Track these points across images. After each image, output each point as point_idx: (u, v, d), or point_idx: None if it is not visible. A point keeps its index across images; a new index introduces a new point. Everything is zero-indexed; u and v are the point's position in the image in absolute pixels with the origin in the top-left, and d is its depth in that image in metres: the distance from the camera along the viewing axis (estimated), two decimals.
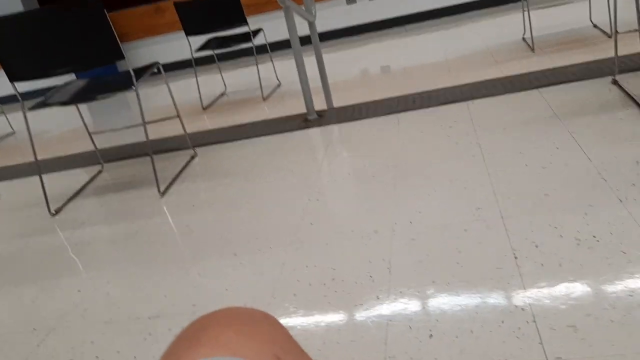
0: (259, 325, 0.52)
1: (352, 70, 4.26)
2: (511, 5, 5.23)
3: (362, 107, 3.06)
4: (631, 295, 1.26)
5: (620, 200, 1.63)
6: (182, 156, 2.92)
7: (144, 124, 2.53)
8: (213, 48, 4.13)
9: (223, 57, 5.79)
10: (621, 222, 1.53)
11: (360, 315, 1.41)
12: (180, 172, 2.72)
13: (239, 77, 4.89)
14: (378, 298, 1.46)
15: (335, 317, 1.42)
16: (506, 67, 3.28)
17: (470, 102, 2.72)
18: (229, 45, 4.10)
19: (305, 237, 1.85)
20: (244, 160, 2.69)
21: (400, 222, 1.80)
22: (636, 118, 2.12)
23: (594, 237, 1.50)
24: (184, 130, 2.90)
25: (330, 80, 3.28)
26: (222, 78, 4.81)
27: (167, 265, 1.88)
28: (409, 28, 5.42)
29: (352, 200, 2.03)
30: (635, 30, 2.31)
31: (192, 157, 2.88)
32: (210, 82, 4.88)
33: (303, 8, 3.05)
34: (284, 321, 1.45)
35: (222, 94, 4.35)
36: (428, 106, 2.81)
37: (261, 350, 0.47)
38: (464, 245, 1.59)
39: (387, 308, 1.41)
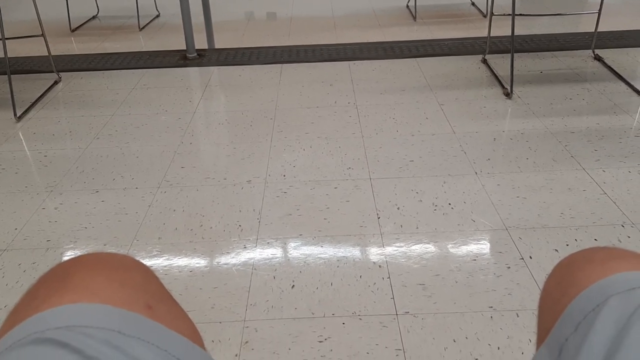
0: (131, 272, 0.50)
1: (238, 12, 4.13)
2: None
3: (244, 52, 2.99)
4: (475, 260, 1.38)
5: (476, 173, 1.77)
6: (44, 80, 2.68)
7: (3, 39, 2.27)
8: None
9: None
10: (474, 193, 1.66)
11: (226, 263, 1.41)
12: (41, 97, 2.50)
13: (116, 1, 4.54)
14: (245, 247, 1.47)
15: (200, 264, 1.42)
16: (389, 32, 3.36)
17: (352, 63, 2.77)
18: None
19: (175, 180, 1.80)
20: (113, 92, 2.53)
21: (274, 174, 1.81)
22: (498, 97, 2.29)
23: (450, 204, 1.62)
24: (48, 51, 2.65)
25: (213, 20, 3.16)
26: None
27: (19, 195, 1.74)
28: None
29: (227, 148, 2.00)
30: (509, 15, 2.48)
31: (56, 82, 2.65)
32: (82, 2, 4.48)
33: None
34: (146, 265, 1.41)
35: (94, 17, 4.02)
36: (312, 61, 2.81)
37: (133, 297, 0.45)
38: (333, 202, 1.65)
39: (253, 257, 1.43)
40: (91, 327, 0.39)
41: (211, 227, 1.56)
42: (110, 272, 0.48)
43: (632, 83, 2.34)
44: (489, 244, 1.44)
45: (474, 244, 1.45)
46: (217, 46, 3.09)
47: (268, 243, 1.48)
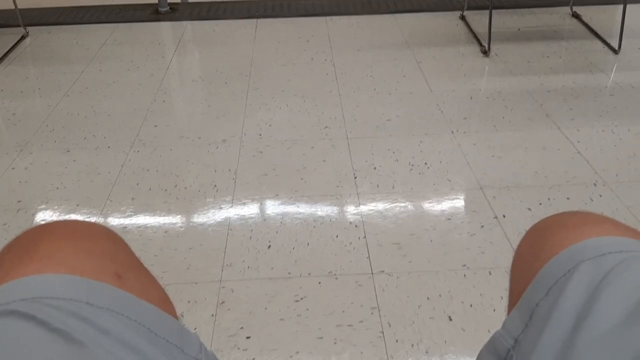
0: (99, 240, 0.49)
1: None
2: None
3: (219, 6, 2.91)
4: (449, 219, 1.40)
5: (452, 132, 1.77)
6: (11, 35, 2.58)
7: None
8: None
9: None
10: (450, 152, 1.67)
11: (201, 224, 1.41)
12: (8, 52, 2.41)
13: None
14: (221, 208, 1.46)
15: (175, 224, 1.41)
16: None
17: (329, 18, 2.71)
18: None
19: (148, 140, 1.77)
20: (83, 47, 2.45)
21: (249, 134, 1.79)
22: (475, 55, 2.28)
23: (426, 164, 1.62)
24: (15, 4, 2.54)
25: None
26: None
27: None
28: None
29: (201, 106, 1.96)
30: None
31: (23, 37, 2.56)
32: None
33: None
34: (120, 225, 1.40)
35: None
36: (287, 16, 2.75)
37: (101, 267, 0.44)
38: (309, 162, 1.64)
39: (228, 218, 1.42)
40: (58, 299, 0.38)
41: (186, 187, 1.54)
42: (78, 241, 0.46)
43: (608, 41, 2.34)
44: (463, 203, 1.46)
45: (449, 203, 1.46)
46: (190, 0, 3.00)
47: (244, 203, 1.48)
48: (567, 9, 2.71)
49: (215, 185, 1.55)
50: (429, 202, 1.46)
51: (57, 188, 1.55)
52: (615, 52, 2.25)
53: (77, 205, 1.48)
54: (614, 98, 1.93)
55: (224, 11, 2.82)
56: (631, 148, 1.65)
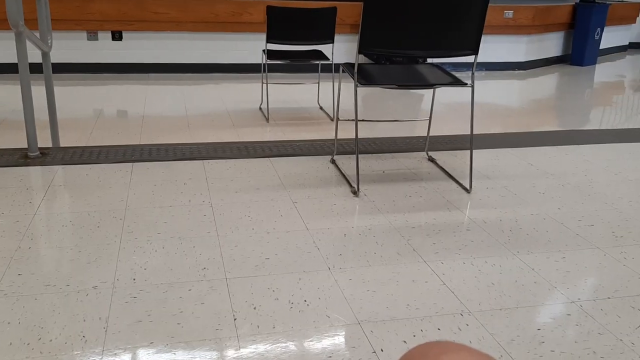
0: None
1: (86, 109, 4.02)
2: (252, 75, 5.60)
3: (92, 150, 2.89)
4: (330, 357, 1.40)
5: (329, 268, 1.83)
6: None
7: None
8: None
9: None
10: (328, 288, 1.71)
11: None
12: None
13: None
14: None
15: None
16: (243, 132, 3.47)
17: (206, 162, 2.79)
18: None
19: (10, 290, 1.63)
20: None
21: (123, 278, 1.72)
22: (347, 195, 2.43)
23: (305, 301, 1.64)
24: None
25: (59, 117, 3.04)
26: None
27: None
28: (152, 76, 5.38)
29: (71, 251, 1.88)
30: (353, 120, 2.69)
31: None
32: None
33: (38, 35, 2.81)
34: None
35: None
36: (164, 160, 2.79)
37: None
38: (187, 305, 1.60)
39: None
40: None
41: (51, 340, 1.42)
42: None
43: (460, 182, 2.62)
44: (343, 339, 1.48)
45: (329, 340, 1.47)
46: (62, 144, 2.96)
47: (115, 354, 1.38)
48: (423, 154, 3.02)
49: (83, 336, 1.44)
50: (310, 341, 1.47)
51: None
52: (468, 191, 2.52)
53: None
54: (470, 233, 2.12)
55: (97, 155, 2.81)
56: (489, 278, 1.80)
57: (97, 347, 1.40)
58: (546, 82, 5.77)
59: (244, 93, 4.76)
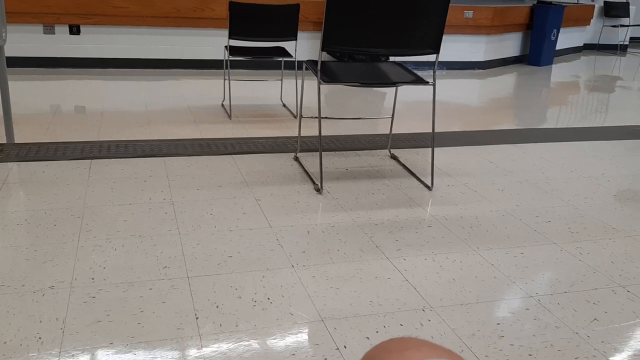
0: None
1: (43, 104, 3.91)
2: (214, 71, 5.54)
3: (49, 146, 2.81)
4: (294, 354, 1.40)
5: (292, 266, 1.82)
6: None
7: None
8: None
9: None
10: (292, 286, 1.71)
11: None
12: None
13: None
14: None
15: None
16: (205, 129, 3.43)
17: (167, 159, 2.75)
18: None
19: None
20: None
21: (81, 278, 1.68)
22: (310, 192, 2.43)
23: (269, 299, 1.64)
24: None
25: (14, 112, 2.94)
26: None
27: None
28: (111, 72, 5.27)
29: (26, 251, 1.82)
30: (316, 117, 2.69)
31: None
32: None
33: None
34: None
35: None
36: (124, 157, 2.74)
37: None
38: (147, 305, 1.57)
39: None
40: None
41: (5, 342, 1.38)
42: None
43: (422, 179, 2.65)
44: (306, 337, 1.47)
45: (293, 337, 1.47)
46: (17, 140, 2.87)
47: (73, 355, 1.35)
48: (385, 152, 3.04)
49: (40, 338, 1.40)
50: (273, 338, 1.46)
51: None
52: (429, 188, 2.55)
53: None
54: (432, 229, 2.15)
55: (54, 152, 2.73)
56: (450, 274, 1.83)
57: (54, 349, 1.36)
58: (505, 82, 5.89)
59: (206, 89, 4.70)
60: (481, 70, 6.45)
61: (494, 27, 6.40)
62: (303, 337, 1.47)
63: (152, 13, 5.31)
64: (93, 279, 1.68)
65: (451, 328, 1.55)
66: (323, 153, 2.93)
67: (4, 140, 2.83)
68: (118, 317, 1.50)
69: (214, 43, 5.56)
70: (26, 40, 5.13)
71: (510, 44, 6.92)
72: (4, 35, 2.80)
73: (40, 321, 1.47)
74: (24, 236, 1.91)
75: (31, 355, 1.34)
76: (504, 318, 1.61)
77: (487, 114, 4.40)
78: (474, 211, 2.33)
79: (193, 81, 5.05)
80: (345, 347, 1.44)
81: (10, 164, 2.57)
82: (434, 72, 2.58)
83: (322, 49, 2.37)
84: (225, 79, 4.27)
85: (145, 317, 1.51)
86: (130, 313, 1.53)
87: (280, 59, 4.01)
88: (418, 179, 2.66)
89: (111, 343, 1.40)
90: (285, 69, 5.13)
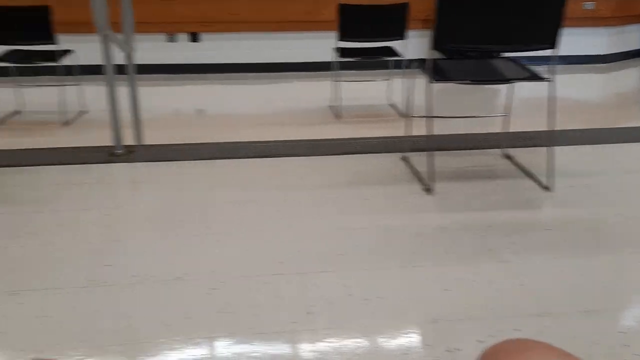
0: None
1: (167, 109, 4.19)
2: (322, 73, 5.64)
3: (175, 148, 3.01)
4: (406, 354, 1.40)
5: (403, 266, 1.82)
6: None
7: None
8: (13, 62, 3.76)
9: (25, 72, 5.27)
10: (402, 286, 1.71)
11: None
12: None
13: (40, 97, 4.50)
14: (173, 348, 1.42)
15: None
16: (314, 130, 3.51)
17: (281, 159, 2.85)
18: (30, 61, 3.78)
19: (101, 280, 1.74)
20: (33, 188, 2.45)
21: (203, 271, 1.79)
22: (419, 193, 2.41)
23: (379, 297, 1.65)
24: None
25: (143, 116, 3.19)
26: (20, 95, 4.37)
27: None
28: (228, 77, 5.53)
29: (155, 244, 1.97)
30: (424, 117, 2.66)
31: None
32: (4, 96, 4.40)
33: (121, 37, 2.95)
34: None
35: (16, 112, 3.95)
36: (242, 157, 2.87)
37: None
38: (263, 298, 1.64)
39: (181, 358, 1.38)
40: None
41: (137, 329, 1.50)
42: None
43: (539, 180, 2.54)
44: (418, 337, 1.47)
45: (404, 337, 1.47)
46: (146, 142, 3.10)
47: (197, 342, 1.44)
48: (498, 151, 2.95)
49: (167, 325, 1.51)
50: (384, 337, 1.47)
51: (6, 333, 1.48)
52: (547, 189, 2.43)
53: (22, 350, 1.41)
54: (551, 232, 2.06)
55: (180, 153, 2.92)
56: (572, 279, 1.74)
57: (180, 335, 1.47)
58: (629, 76, 5.48)
59: (315, 91, 4.80)
60: (602, 65, 6.04)
61: (614, 18, 5.97)
62: (415, 337, 1.47)
63: (266, 18, 5.51)
64: (214, 271, 1.78)
65: (570, 336, 1.47)
66: (433, 152, 2.89)
67: (134, 142, 3.07)
68: (236, 309, 1.59)
69: (322, 45, 5.66)
70: (151, 49, 5.51)
71: (634, 37, 6.43)
72: (132, 44, 3.04)
73: (168, 309, 1.58)
74: (153, 231, 2.07)
75: (160, 340, 1.45)
76: (630, 327, 1.51)
77: (610, 110, 4.12)
78: (597, 214, 2.20)
79: (303, 83, 5.18)
80: (457, 349, 1.42)
81: (141, 164, 2.78)
82: (553, 67, 2.46)
83: (434, 48, 2.34)
84: (333, 80, 4.34)
85: (262, 310, 1.58)
86: (248, 305, 1.60)
87: (389, 58, 4.01)
88: (535, 179, 2.56)
89: (230, 332, 1.48)
90: (393, 68, 5.11)
